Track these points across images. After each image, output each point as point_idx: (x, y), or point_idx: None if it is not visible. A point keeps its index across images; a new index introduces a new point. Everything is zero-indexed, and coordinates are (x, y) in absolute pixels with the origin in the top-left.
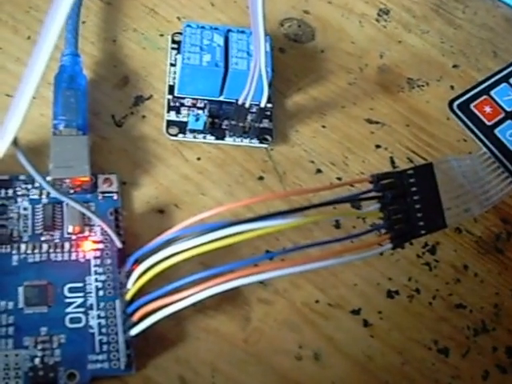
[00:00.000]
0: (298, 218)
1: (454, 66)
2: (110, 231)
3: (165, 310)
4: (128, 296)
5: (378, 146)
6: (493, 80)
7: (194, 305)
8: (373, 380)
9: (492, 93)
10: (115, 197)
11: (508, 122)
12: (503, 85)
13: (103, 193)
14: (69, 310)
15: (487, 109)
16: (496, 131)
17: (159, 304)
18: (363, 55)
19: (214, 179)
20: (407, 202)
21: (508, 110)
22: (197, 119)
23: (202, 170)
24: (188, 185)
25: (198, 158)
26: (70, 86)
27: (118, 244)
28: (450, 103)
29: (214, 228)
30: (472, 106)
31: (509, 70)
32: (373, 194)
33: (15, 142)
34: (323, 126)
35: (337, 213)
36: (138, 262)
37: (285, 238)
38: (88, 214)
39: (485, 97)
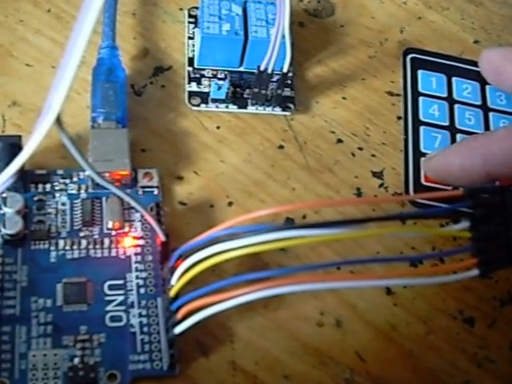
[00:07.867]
0: (362, 228)
1: (475, 42)
2: (153, 223)
3: (211, 309)
4: (172, 292)
5: (399, 118)
6: None
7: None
8: (397, 348)
9: None
10: (156, 191)
11: None
12: None
13: (143, 187)
14: (109, 308)
15: None
16: None
17: (205, 302)
18: (383, 30)
19: (233, 147)
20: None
21: None
22: (219, 88)
23: (222, 138)
24: (207, 152)
25: (218, 127)
26: (109, 79)
27: (163, 237)
28: None
29: (268, 229)
30: None
31: None
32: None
33: (58, 121)
34: (343, 98)
35: (408, 229)
36: (181, 257)
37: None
38: (133, 203)
39: None
